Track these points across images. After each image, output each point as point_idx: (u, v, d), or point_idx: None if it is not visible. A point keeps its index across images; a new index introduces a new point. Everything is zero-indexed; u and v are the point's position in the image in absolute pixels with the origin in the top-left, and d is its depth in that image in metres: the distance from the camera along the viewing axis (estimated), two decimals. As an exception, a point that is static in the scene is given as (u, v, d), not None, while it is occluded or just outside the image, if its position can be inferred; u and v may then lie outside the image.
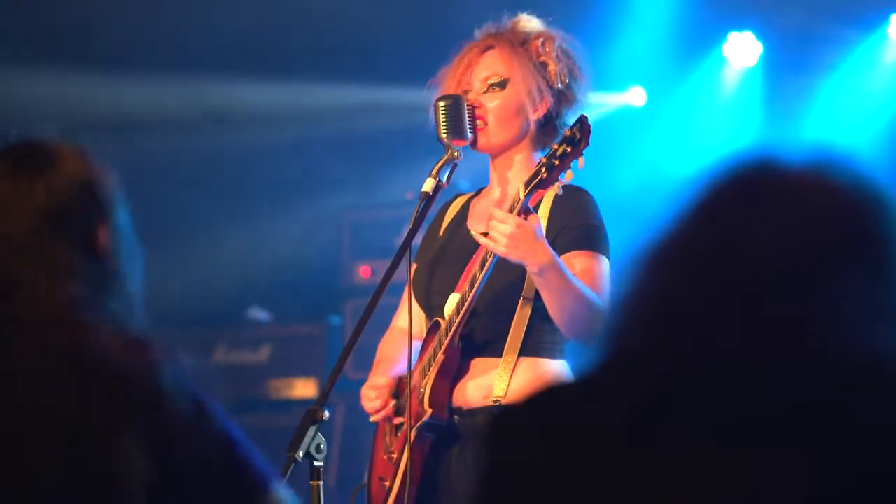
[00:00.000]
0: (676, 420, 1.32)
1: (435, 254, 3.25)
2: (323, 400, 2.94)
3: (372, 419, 3.23)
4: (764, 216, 1.32)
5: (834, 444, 1.28)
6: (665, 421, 1.32)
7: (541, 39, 3.16)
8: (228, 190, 7.29)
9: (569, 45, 3.20)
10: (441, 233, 3.30)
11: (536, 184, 2.90)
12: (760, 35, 6.63)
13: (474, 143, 3.16)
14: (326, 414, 2.90)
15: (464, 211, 3.31)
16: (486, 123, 3.14)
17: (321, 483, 2.90)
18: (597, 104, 6.51)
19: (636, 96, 6.86)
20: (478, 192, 3.33)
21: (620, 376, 1.37)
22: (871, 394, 1.30)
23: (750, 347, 1.30)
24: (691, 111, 6.74)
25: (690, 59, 6.76)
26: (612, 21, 6.44)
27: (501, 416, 1.46)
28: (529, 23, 3.21)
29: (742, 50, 6.68)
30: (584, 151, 2.89)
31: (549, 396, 1.45)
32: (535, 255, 2.87)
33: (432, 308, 3.18)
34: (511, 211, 2.91)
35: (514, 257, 2.89)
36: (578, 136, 2.86)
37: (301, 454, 2.85)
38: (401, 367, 3.21)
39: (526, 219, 2.90)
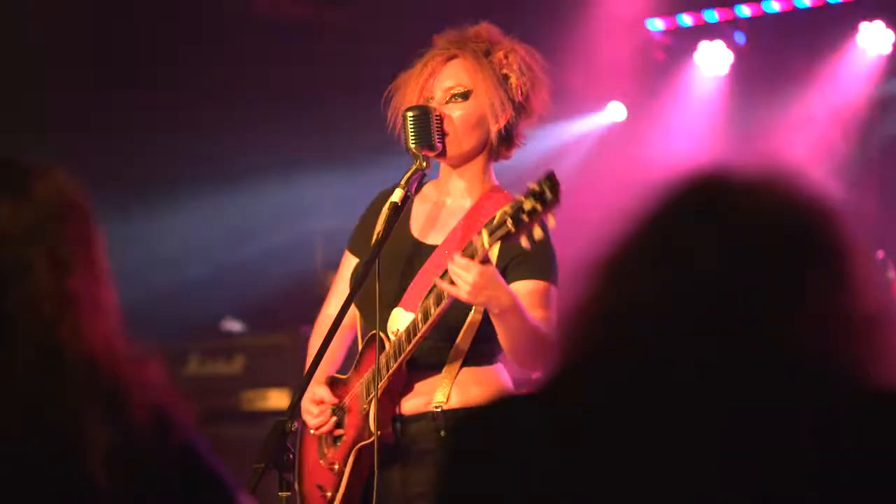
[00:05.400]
0: (637, 423, 1.33)
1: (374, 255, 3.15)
2: (292, 411, 2.93)
3: (313, 433, 3.21)
4: (715, 226, 1.34)
5: (789, 444, 1.30)
6: (626, 423, 1.34)
7: (504, 51, 3.15)
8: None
9: (532, 58, 3.19)
10: (378, 228, 3.19)
11: (502, 236, 2.79)
12: (730, 44, 6.68)
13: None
14: (295, 425, 2.92)
15: (406, 213, 3.22)
16: (447, 133, 3.13)
17: (290, 494, 2.91)
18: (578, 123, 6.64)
19: (616, 112, 6.92)
20: (418, 190, 3.22)
21: (581, 380, 1.38)
22: (826, 396, 1.32)
23: (704, 350, 1.32)
24: (670, 121, 6.79)
25: (665, 70, 6.81)
26: (588, 40, 6.48)
27: (465, 418, 1.48)
28: (492, 31, 3.20)
29: (713, 58, 6.73)
30: (555, 211, 2.72)
31: (511, 400, 1.46)
32: (497, 300, 2.89)
33: (368, 311, 3.15)
34: (472, 257, 2.84)
35: (476, 303, 2.93)
36: (550, 195, 2.71)
37: (269, 466, 2.85)
38: (339, 367, 3.24)
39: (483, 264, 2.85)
